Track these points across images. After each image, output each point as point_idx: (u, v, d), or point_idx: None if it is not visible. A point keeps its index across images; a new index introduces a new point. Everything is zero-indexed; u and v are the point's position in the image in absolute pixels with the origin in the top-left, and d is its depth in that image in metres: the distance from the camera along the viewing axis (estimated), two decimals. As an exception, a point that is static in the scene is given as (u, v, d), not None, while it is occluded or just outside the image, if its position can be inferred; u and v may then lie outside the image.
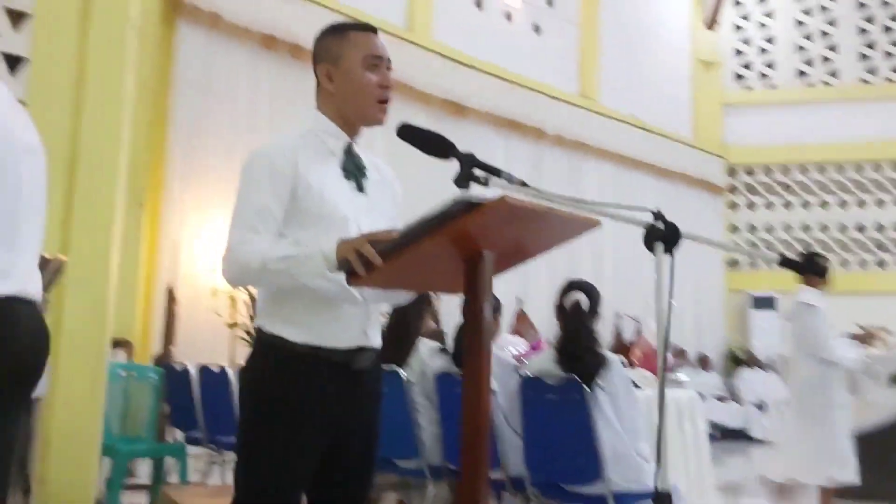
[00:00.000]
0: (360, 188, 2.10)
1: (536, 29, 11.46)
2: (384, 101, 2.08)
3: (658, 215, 1.67)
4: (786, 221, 14.01)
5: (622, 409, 3.27)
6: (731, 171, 14.30)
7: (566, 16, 11.87)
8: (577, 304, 3.44)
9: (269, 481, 1.95)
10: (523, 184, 1.78)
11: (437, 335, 4.71)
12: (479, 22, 10.62)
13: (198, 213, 7.31)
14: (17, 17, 5.83)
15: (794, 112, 13.76)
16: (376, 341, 2.12)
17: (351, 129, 2.13)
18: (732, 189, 14.36)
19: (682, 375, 4.98)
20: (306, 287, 1.91)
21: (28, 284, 1.72)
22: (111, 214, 3.92)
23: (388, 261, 1.76)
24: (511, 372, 3.65)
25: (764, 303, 13.36)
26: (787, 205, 14.06)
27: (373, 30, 2.12)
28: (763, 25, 14.46)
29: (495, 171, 1.80)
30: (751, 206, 14.32)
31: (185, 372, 4.94)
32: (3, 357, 1.64)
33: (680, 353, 11.66)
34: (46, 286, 3.01)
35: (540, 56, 11.31)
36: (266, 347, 2.02)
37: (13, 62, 5.91)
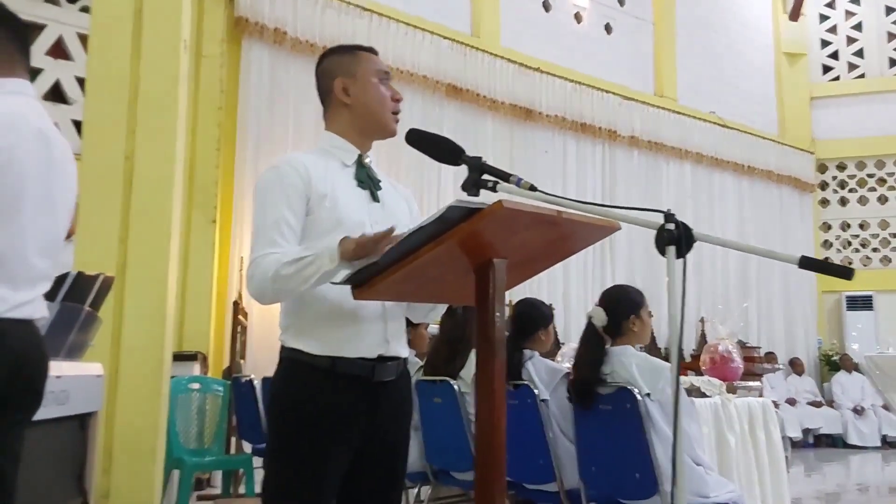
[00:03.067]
0: (375, 198, 2.11)
1: (608, 29, 11.24)
2: (396, 113, 2.14)
3: (670, 217, 1.55)
4: (881, 217, 13.35)
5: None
6: (821, 167, 13.71)
7: (639, 14, 11.61)
8: (589, 328, 3.31)
9: (290, 493, 1.96)
10: (532, 188, 1.73)
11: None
12: (548, 25, 10.48)
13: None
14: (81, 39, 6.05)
15: (886, 102, 13.10)
16: (401, 352, 2.10)
17: (363, 142, 2.15)
18: (823, 185, 13.76)
19: (753, 383, 4.72)
20: (320, 292, 1.92)
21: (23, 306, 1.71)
22: (167, 231, 3.99)
23: (389, 271, 1.71)
24: (563, 380, 3.54)
25: (860, 303, 12.77)
26: (882, 199, 13.39)
27: (375, 52, 2.20)
28: (850, 13, 13.83)
29: (504, 176, 1.75)
30: (843, 202, 13.70)
31: (250, 384, 4.98)
32: None
33: (769, 357, 11.26)
34: (94, 303, 3.08)
35: (612, 56, 11.09)
36: (287, 361, 2.04)
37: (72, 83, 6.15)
